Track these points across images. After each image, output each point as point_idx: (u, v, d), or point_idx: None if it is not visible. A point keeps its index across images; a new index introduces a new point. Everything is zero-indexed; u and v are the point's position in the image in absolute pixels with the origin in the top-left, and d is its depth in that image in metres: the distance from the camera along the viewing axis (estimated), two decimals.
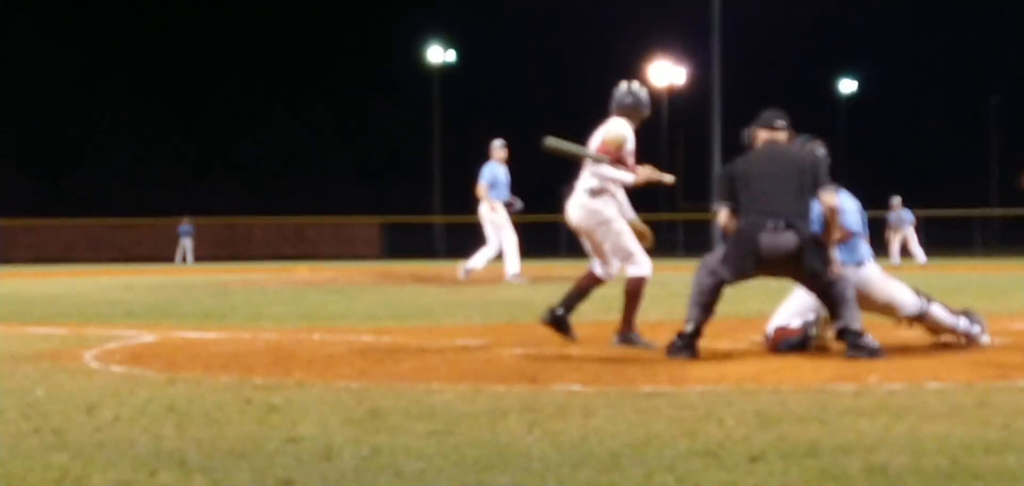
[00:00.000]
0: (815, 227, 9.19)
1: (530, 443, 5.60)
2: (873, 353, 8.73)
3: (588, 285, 10.51)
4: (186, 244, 52.16)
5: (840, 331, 8.91)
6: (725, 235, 9.44)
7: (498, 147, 22.15)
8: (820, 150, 9.71)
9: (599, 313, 14.04)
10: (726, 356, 9.26)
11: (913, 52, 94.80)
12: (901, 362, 8.67)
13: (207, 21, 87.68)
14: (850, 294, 8.95)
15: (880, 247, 43.14)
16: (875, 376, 7.85)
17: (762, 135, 9.53)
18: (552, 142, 10.52)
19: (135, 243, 54.31)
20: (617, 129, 10.25)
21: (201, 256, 51.71)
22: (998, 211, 68.00)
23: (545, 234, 52.90)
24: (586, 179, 10.29)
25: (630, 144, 10.24)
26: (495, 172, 22.00)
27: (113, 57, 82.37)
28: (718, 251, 9.36)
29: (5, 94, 75.45)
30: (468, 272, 21.99)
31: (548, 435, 5.79)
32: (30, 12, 79.05)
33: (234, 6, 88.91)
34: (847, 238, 9.47)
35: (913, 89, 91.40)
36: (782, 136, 9.49)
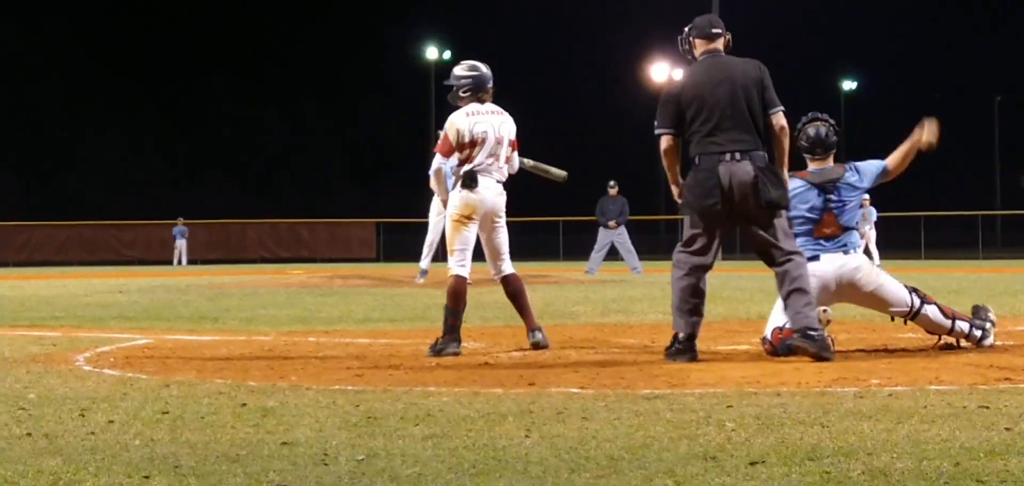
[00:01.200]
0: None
1: (528, 447, 5.56)
2: (821, 349, 8.57)
3: (518, 289, 10.34)
4: (181, 246, 52.15)
5: (800, 329, 8.67)
6: (667, 164, 8.97)
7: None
8: (822, 129, 9.54)
9: (596, 316, 14.01)
10: (726, 359, 9.20)
11: (915, 51, 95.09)
12: (903, 364, 8.62)
13: (201, 22, 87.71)
14: (808, 285, 8.76)
15: (890, 244, 43.15)
16: (876, 379, 7.80)
17: (699, 46, 9.09)
18: (529, 163, 10.59)
19: (128, 245, 54.31)
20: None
21: (195, 258, 51.70)
22: (1001, 212, 68.07)
23: (540, 236, 52.92)
24: (503, 171, 10.19)
25: None
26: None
27: (105, 59, 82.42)
28: (684, 241, 9.04)
29: None
30: (424, 275, 22.71)
31: (546, 439, 5.75)
32: (21, 14, 79.01)
33: (228, 7, 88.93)
34: (838, 232, 9.37)
35: (915, 88, 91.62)
36: (719, 45, 9.07)
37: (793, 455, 5.29)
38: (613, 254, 30.94)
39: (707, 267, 8.99)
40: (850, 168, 9.52)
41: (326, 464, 5.24)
